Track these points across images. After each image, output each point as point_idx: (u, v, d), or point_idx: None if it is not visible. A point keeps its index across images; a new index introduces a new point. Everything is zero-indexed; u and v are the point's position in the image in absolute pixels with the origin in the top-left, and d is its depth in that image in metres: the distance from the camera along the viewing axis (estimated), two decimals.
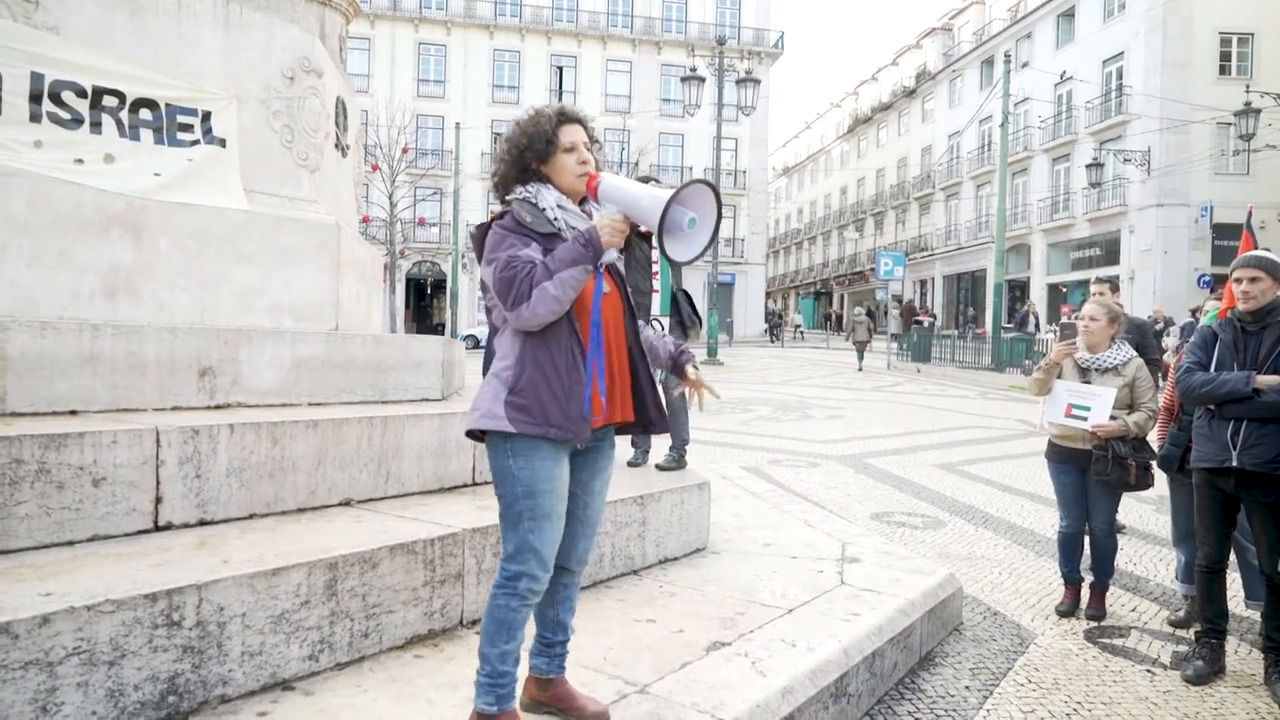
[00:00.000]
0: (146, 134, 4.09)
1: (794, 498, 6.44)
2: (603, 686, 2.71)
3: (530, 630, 2.44)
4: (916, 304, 41.95)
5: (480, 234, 2.37)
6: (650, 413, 2.48)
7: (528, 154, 2.38)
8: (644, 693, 2.69)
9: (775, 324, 41.30)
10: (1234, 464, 3.47)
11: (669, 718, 2.54)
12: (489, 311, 2.39)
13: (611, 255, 2.36)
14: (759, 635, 3.28)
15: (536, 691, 2.54)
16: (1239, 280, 3.58)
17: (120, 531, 2.88)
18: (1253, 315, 3.56)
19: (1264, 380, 3.40)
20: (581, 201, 2.43)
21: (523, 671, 2.48)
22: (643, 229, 2.42)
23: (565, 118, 2.41)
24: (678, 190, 2.22)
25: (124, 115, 4.00)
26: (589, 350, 2.33)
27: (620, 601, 3.63)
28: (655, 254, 4.91)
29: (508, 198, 2.42)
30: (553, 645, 2.52)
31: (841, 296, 53.74)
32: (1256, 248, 4.09)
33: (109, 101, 3.94)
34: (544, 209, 2.35)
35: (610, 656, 2.95)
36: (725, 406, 13.70)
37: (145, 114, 4.08)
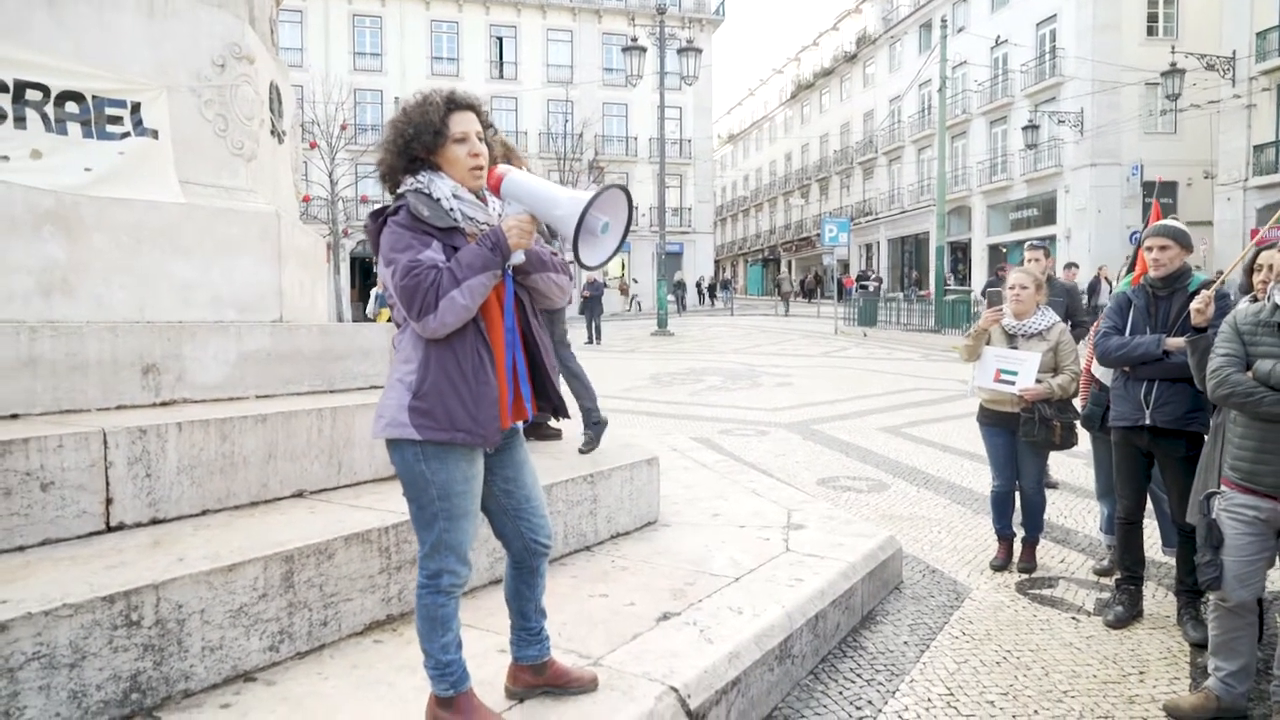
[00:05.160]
0: (74, 128, 4.01)
1: (743, 467, 6.61)
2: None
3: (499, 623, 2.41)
4: (864, 268, 42.58)
5: (376, 227, 2.26)
6: (554, 399, 2.45)
7: (414, 144, 2.26)
8: (597, 665, 2.81)
9: (709, 288, 43.05)
10: (1147, 422, 3.69)
11: (621, 687, 2.66)
12: (393, 307, 2.30)
13: (519, 257, 2.27)
14: (707, 604, 3.42)
15: (532, 678, 2.54)
16: (1150, 248, 3.78)
17: (72, 534, 2.89)
18: (1163, 281, 3.77)
19: (1173, 342, 3.61)
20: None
21: (496, 668, 2.48)
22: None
23: (455, 104, 2.29)
24: (595, 195, 2.16)
25: (49, 109, 3.91)
26: (505, 354, 2.28)
27: (574, 578, 3.74)
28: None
29: (399, 190, 2.30)
30: (540, 632, 2.55)
31: (789, 263, 54.23)
32: (1164, 217, 4.30)
33: (33, 95, 3.85)
34: (439, 199, 2.25)
35: (565, 632, 3.05)
36: (676, 378, 13.85)
37: (72, 107, 3.98)
